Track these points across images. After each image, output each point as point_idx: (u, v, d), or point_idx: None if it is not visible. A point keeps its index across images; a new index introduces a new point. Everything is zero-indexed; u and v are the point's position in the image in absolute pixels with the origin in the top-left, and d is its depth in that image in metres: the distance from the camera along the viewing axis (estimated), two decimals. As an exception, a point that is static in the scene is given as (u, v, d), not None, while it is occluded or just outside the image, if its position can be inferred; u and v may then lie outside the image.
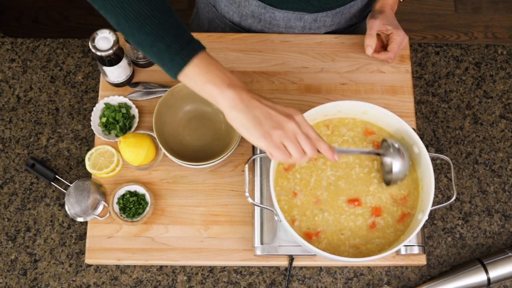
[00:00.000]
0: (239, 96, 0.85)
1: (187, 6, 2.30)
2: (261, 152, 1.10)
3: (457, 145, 1.38)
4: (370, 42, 1.18)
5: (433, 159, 1.32)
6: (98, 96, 1.33)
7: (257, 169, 1.11)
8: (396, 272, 1.24)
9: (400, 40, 1.18)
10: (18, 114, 1.36)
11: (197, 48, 0.86)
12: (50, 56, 1.41)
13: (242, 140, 1.19)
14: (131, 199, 1.14)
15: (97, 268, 1.24)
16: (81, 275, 1.23)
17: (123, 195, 1.14)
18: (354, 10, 1.24)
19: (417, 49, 1.49)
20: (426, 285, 1.23)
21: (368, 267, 1.24)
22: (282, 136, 0.85)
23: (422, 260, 1.13)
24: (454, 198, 1.00)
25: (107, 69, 1.15)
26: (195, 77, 0.86)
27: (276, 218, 0.98)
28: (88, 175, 1.25)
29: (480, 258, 1.25)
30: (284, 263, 1.15)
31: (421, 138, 1.37)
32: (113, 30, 1.10)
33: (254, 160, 1.12)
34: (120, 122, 1.17)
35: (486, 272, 1.23)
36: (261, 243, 1.08)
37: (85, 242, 1.21)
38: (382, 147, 1.05)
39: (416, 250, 1.10)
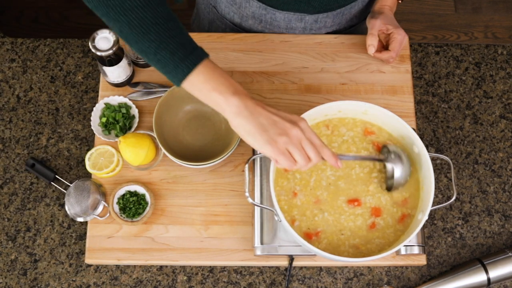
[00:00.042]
0: (244, 103, 0.85)
1: (187, 6, 2.30)
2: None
3: (457, 145, 1.38)
4: (372, 42, 1.18)
5: (433, 159, 1.32)
6: (98, 96, 1.33)
7: (257, 169, 1.11)
8: (396, 272, 1.24)
9: (401, 39, 1.18)
10: (18, 114, 1.36)
11: (201, 55, 0.86)
12: (50, 56, 1.41)
13: (242, 140, 1.19)
14: (131, 199, 1.14)
15: (97, 268, 1.24)
16: (81, 275, 1.23)
17: (123, 195, 1.14)
18: (355, 10, 1.24)
19: (417, 49, 1.49)
20: (426, 285, 1.23)
21: (368, 267, 1.24)
22: (287, 142, 0.85)
23: (422, 260, 1.13)
24: (454, 198, 1.00)
25: (107, 69, 1.16)
26: (199, 85, 0.86)
27: (276, 218, 0.98)
28: (88, 175, 1.25)
29: (480, 258, 1.25)
30: (284, 263, 1.15)
31: (421, 138, 1.37)
32: (113, 30, 1.10)
33: (254, 160, 1.12)
34: (120, 122, 1.17)
35: (486, 272, 1.23)
36: (261, 243, 1.08)
37: (85, 242, 1.21)
38: (382, 152, 1.05)
39: (416, 250, 1.10)
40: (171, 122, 1.15)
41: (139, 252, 1.12)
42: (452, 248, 1.29)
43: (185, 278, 1.22)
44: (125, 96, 1.21)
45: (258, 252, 1.08)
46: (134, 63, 1.24)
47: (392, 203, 1.03)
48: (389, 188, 1.03)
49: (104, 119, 1.18)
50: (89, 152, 1.16)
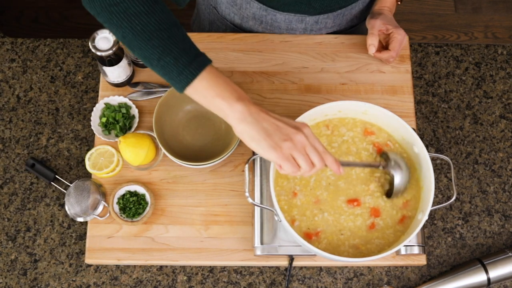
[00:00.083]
0: (248, 109, 0.85)
1: (187, 6, 2.29)
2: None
3: (457, 145, 1.38)
4: (373, 41, 1.18)
5: (433, 159, 1.32)
6: (98, 96, 1.33)
7: (257, 169, 1.11)
8: (396, 272, 1.24)
9: (401, 39, 1.18)
10: (18, 114, 1.36)
11: (205, 61, 0.86)
12: (50, 56, 1.41)
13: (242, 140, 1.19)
14: (131, 199, 1.14)
15: (97, 268, 1.24)
16: (81, 275, 1.23)
17: (123, 195, 1.14)
18: (355, 11, 1.24)
19: (417, 49, 1.49)
20: (426, 285, 1.23)
21: (368, 267, 1.24)
22: (292, 148, 0.85)
23: (422, 260, 1.13)
24: (454, 198, 1.00)
25: (107, 69, 1.16)
26: (203, 91, 0.86)
27: (276, 218, 0.98)
28: (88, 175, 1.25)
29: (480, 258, 1.25)
30: (284, 263, 1.15)
31: (421, 138, 1.37)
32: (113, 30, 1.10)
33: (254, 160, 1.12)
34: (120, 122, 1.17)
35: (486, 272, 1.23)
36: (261, 243, 1.08)
37: (85, 242, 1.21)
38: (381, 158, 1.05)
39: (416, 250, 1.10)
40: (171, 122, 1.15)
41: (139, 252, 1.12)
42: (452, 248, 1.29)
43: (185, 278, 1.22)
44: (125, 96, 1.21)
45: (258, 252, 1.08)
46: (134, 63, 1.24)
47: (392, 205, 1.03)
48: (388, 195, 1.03)
49: (104, 119, 1.18)
50: (89, 152, 1.16)
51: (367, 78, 1.25)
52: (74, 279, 1.23)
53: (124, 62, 1.16)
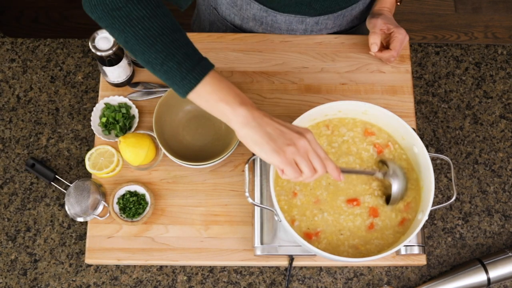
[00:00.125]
0: (251, 114, 0.85)
1: (188, 7, 2.29)
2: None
3: (457, 145, 1.38)
4: (375, 40, 1.18)
5: (433, 159, 1.32)
6: (98, 96, 1.33)
7: (257, 169, 1.11)
8: (396, 272, 1.24)
9: (402, 38, 1.18)
10: (18, 114, 1.36)
11: (208, 66, 0.86)
12: (50, 56, 1.41)
13: (242, 140, 1.19)
14: (131, 199, 1.14)
15: (97, 268, 1.24)
16: (81, 275, 1.23)
17: (123, 195, 1.14)
18: (356, 12, 1.24)
19: (417, 49, 1.50)
20: (426, 285, 1.23)
21: (368, 267, 1.24)
22: (295, 153, 0.85)
23: (422, 260, 1.13)
24: (454, 198, 1.00)
25: (107, 69, 1.16)
26: (206, 95, 0.86)
27: (276, 218, 0.98)
28: (88, 175, 1.25)
29: (480, 258, 1.25)
30: (284, 263, 1.15)
31: (421, 138, 1.37)
32: (113, 30, 1.10)
33: (254, 160, 1.12)
34: (120, 122, 1.18)
35: (486, 272, 1.23)
36: (261, 243, 1.08)
37: (85, 242, 1.21)
38: (380, 165, 1.06)
39: (416, 250, 1.10)
40: (171, 122, 1.15)
41: (139, 252, 1.12)
42: (452, 248, 1.29)
43: (185, 278, 1.22)
44: (125, 96, 1.21)
45: (258, 252, 1.08)
46: (134, 63, 1.24)
47: (392, 207, 1.03)
48: (387, 202, 1.04)
49: (104, 119, 1.18)
50: (89, 152, 1.16)
51: (367, 78, 1.25)
52: (74, 279, 1.23)
53: (124, 62, 1.16)
